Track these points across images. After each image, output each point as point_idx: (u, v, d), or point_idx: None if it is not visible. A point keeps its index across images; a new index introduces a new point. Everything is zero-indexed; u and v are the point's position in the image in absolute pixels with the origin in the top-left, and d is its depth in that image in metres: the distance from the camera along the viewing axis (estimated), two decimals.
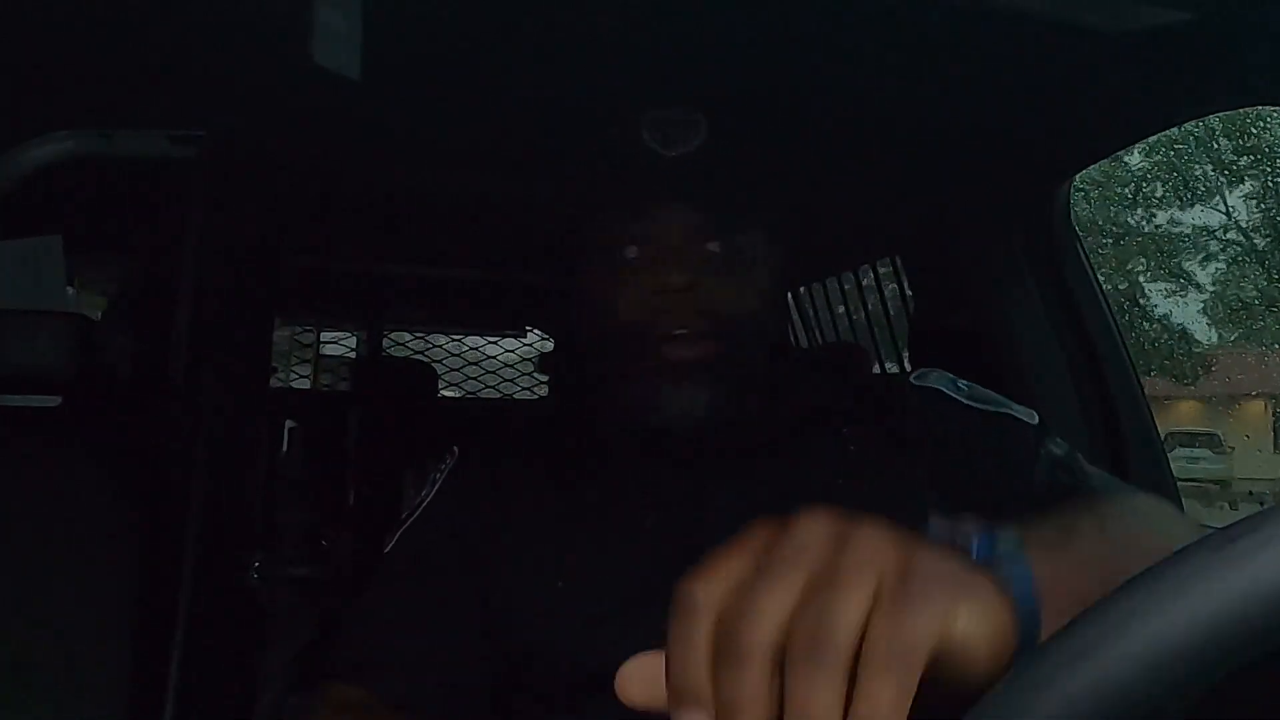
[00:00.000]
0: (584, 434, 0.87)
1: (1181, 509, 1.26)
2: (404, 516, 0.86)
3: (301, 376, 2.85)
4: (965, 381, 0.86)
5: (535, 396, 2.95)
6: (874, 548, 0.33)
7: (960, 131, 1.17)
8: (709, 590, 0.34)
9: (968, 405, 0.83)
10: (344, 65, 0.85)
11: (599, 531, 0.80)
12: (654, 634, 0.75)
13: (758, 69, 0.97)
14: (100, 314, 1.98)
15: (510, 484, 0.84)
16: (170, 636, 1.07)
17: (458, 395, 2.92)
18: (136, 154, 1.13)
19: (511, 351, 3.05)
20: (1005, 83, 1.01)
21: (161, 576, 1.08)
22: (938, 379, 0.86)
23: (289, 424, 2.05)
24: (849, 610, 0.30)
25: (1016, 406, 0.83)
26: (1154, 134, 1.05)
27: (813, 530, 0.34)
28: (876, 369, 2.00)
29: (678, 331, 0.78)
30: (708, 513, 0.79)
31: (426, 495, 0.86)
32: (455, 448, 0.90)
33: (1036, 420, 0.82)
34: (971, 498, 0.76)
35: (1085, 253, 1.35)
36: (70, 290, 1.92)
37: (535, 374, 2.99)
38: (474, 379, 3.01)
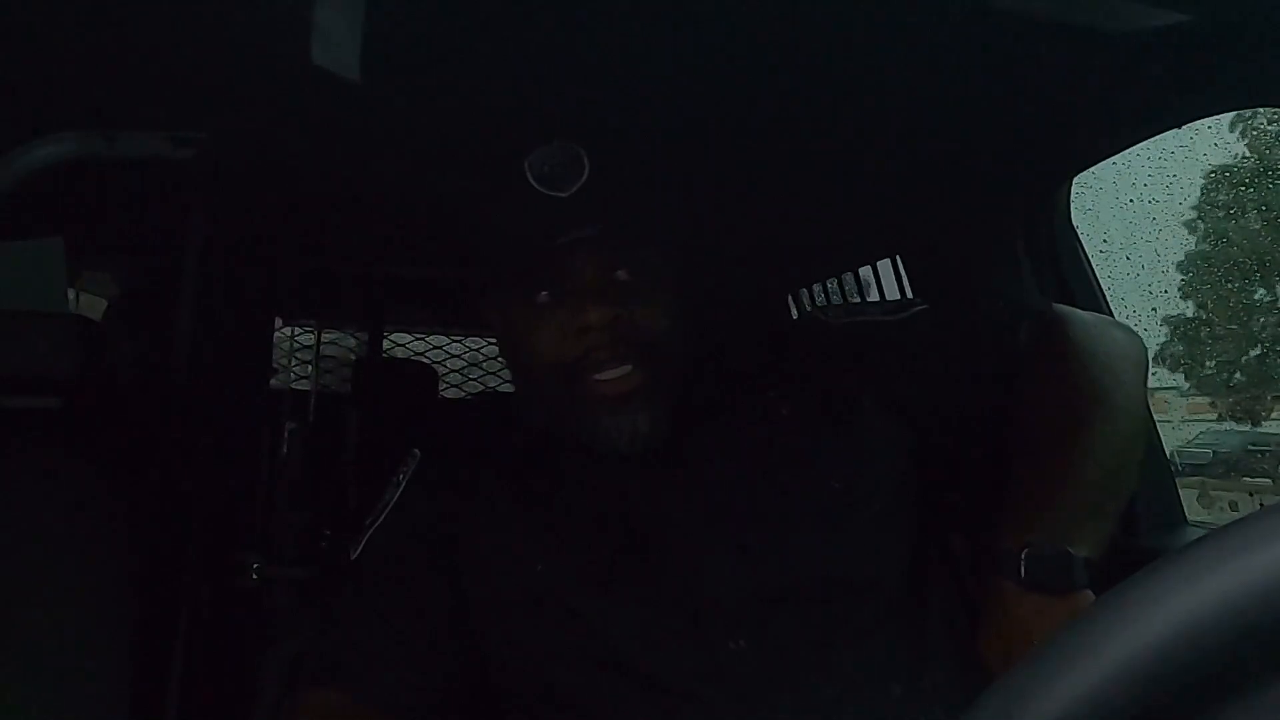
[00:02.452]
0: (540, 434, 0.89)
1: (1181, 509, 1.26)
2: (368, 521, 0.87)
3: (302, 377, 2.85)
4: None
5: None
6: None
7: (960, 131, 1.17)
8: None
9: (833, 324, 0.88)
10: (344, 66, 0.85)
11: (565, 520, 0.82)
12: (622, 619, 0.76)
13: (758, 68, 0.97)
14: (100, 315, 1.99)
15: (474, 478, 0.86)
16: (170, 637, 1.07)
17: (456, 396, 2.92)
18: (137, 154, 1.13)
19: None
20: (1005, 83, 1.01)
21: (161, 577, 1.08)
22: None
23: (289, 425, 2.04)
24: None
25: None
26: (1155, 135, 1.05)
27: None
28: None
29: (605, 365, 0.79)
30: (663, 500, 0.81)
31: (390, 498, 0.87)
32: (416, 450, 0.91)
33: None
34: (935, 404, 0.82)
35: (1085, 253, 1.35)
36: (70, 291, 1.92)
37: None
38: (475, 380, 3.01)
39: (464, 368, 3.05)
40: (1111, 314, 1.34)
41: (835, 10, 0.86)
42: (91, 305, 2.03)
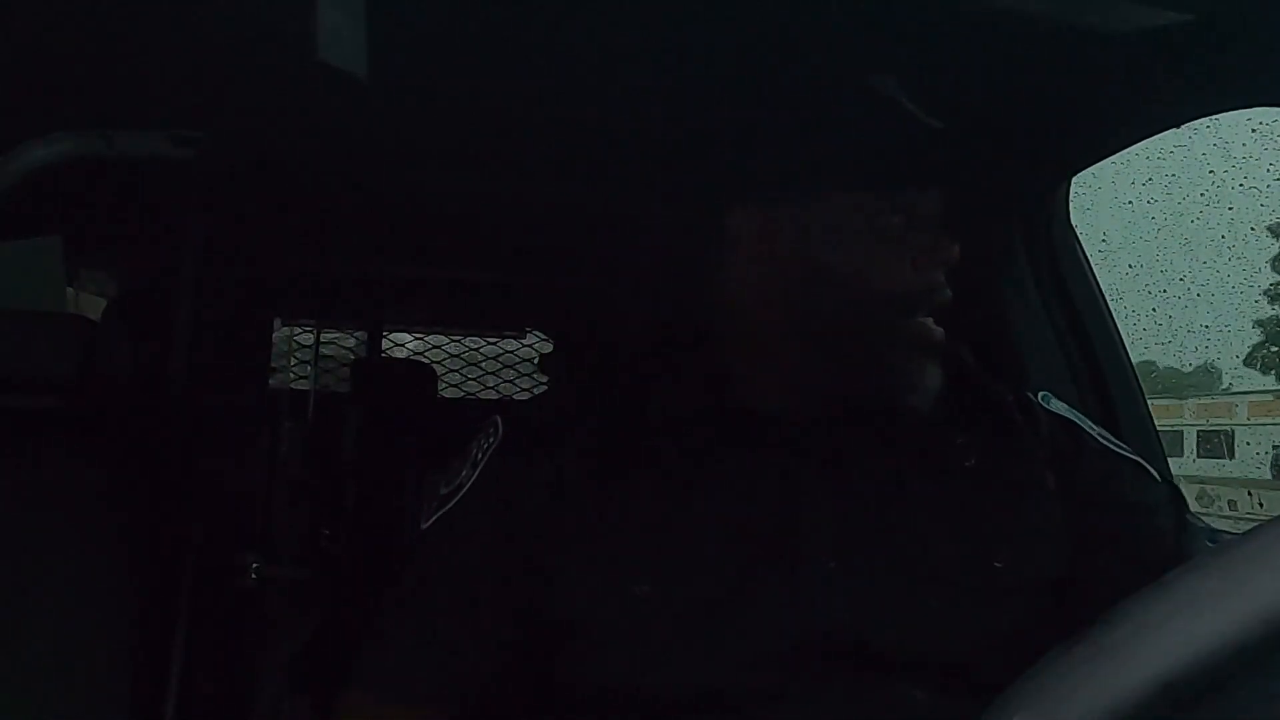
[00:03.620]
0: (635, 427, 0.77)
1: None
2: (443, 493, 0.77)
3: (301, 377, 2.85)
4: (1099, 428, 0.80)
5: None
6: None
7: (960, 131, 1.17)
8: None
9: (1106, 445, 0.77)
10: (344, 66, 0.85)
11: (677, 531, 0.71)
12: (747, 645, 0.67)
13: (757, 69, 0.97)
14: (100, 315, 1.98)
15: (561, 478, 0.74)
16: (170, 638, 1.07)
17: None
18: (136, 154, 1.13)
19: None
20: (1005, 83, 1.01)
21: (160, 577, 1.08)
22: (1066, 409, 0.80)
23: (288, 425, 2.04)
24: None
25: (1148, 463, 0.78)
26: (1155, 134, 1.05)
27: None
28: None
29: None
30: (803, 509, 0.72)
31: (469, 475, 0.77)
32: (498, 419, 0.80)
33: (1165, 483, 0.77)
34: (1097, 538, 0.72)
35: (1085, 253, 1.35)
36: (70, 291, 1.92)
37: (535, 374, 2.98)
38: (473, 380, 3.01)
39: (463, 368, 3.05)
40: (1111, 314, 1.34)
41: (833, 9, 0.86)
42: (91, 305, 2.03)
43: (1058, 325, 1.35)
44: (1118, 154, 1.12)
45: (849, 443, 0.75)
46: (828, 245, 0.73)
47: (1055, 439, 0.77)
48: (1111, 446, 0.78)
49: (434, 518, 0.77)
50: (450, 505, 0.77)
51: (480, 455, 0.78)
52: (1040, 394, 0.81)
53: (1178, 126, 1.01)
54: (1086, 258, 1.35)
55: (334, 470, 2.08)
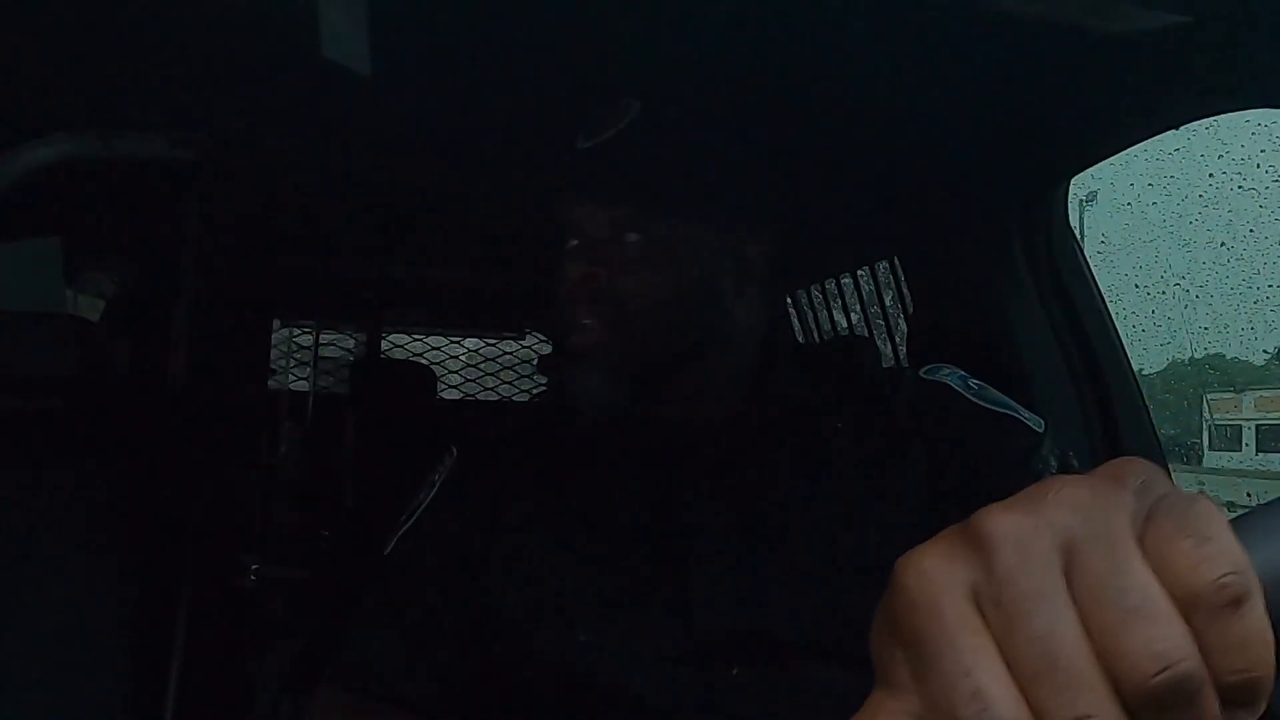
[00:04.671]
0: (570, 434, 0.86)
1: None
2: (402, 519, 0.86)
3: (300, 378, 2.85)
4: (978, 381, 0.83)
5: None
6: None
7: (959, 132, 1.17)
8: (950, 572, 0.26)
9: (973, 403, 0.81)
10: (344, 65, 0.85)
11: (580, 533, 0.79)
12: (634, 635, 0.73)
13: (757, 69, 0.97)
14: (99, 315, 1.98)
15: (503, 486, 0.84)
16: (169, 637, 1.07)
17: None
18: (135, 155, 1.13)
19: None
20: (1005, 83, 1.01)
21: (160, 578, 1.08)
22: (949, 374, 0.84)
23: (287, 426, 2.04)
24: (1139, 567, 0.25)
25: (1025, 412, 0.81)
26: (1154, 135, 1.05)
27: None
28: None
29: (582, 321, 0.78)
30: (685, 512, 0.78)
31: (425, 497, 0.86)
32: (453, 448, 0.89)
33: (1043, 428, 0.80)
34: (962, 498, 0.75)
35: (1084, 253, 1.35)
36: (70, 291, 1.92)
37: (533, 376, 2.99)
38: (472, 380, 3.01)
39: (462, 369, 3.05)
40: (1110, 314, 1.35)
41: (833, 10, 0.86)
42: (91, 305, 2.03)
43: (1056, 325, 1.35)
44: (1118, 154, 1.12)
45: (735, 443, 0.81)
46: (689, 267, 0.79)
47: (921, 405, 0.81)
48: (980, 404, 0.81)
49: (395, 540, 0.85)
50: (408, 525, 0.85)
51: (436, 478, 0.87)
52: (927, 368, 0.84)
53: (1177, 127, 1.01)
54: (1085, 258, 1.35)
55: (331, 471, 2.08)
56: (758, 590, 0.75)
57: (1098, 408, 1.32)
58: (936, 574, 0.26)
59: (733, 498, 0.78)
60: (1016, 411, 0.81)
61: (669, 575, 0.76)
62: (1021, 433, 0.79)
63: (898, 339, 1.97)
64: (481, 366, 3.05)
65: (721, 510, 0.78)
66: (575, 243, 0.80)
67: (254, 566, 1.49)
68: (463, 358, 3.06)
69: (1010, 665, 0.25)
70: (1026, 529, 0.26)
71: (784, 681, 0.72)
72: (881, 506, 0.77)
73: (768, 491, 0.79)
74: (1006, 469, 0.77)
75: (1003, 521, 0.26)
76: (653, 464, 0.81)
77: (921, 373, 0.84)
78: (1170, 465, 1.35)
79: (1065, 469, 0.78)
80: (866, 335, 2.09)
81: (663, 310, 0.79)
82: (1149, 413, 1.35)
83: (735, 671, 0.72)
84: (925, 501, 0.77)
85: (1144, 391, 1.34)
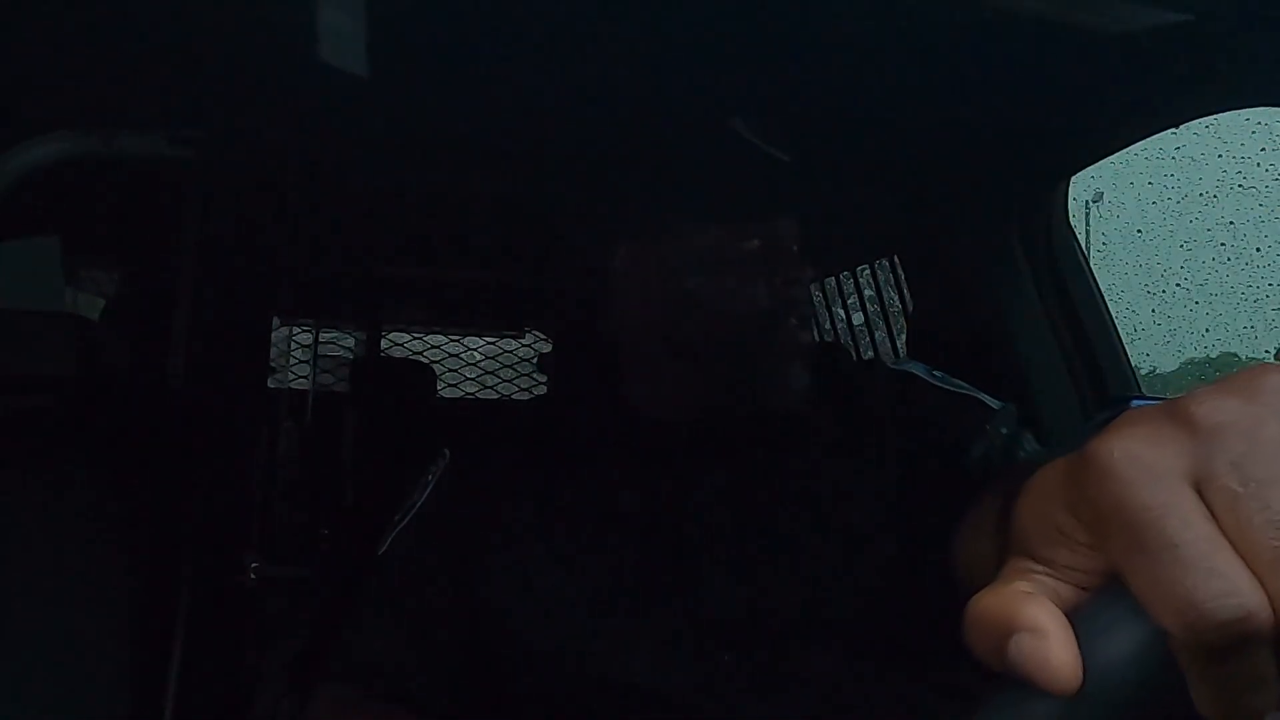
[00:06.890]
0: (571, 432, 0.88)
1: None
2: (397, 519, 0.86)
3: (299, 376, 2.85)
4: (940, 371, 0.87)
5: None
6: None
7: (959, 131, 1.17)
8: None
9: (935, 386, 0.85)
10: (344, 65, 0.85)
11: (583, 529, 0.81)
12: (639, 629, 0.75)
13: (756, 67, 0.97)
14: (99, 314, 1.98)
15: (500, 484, 0.85)
16: (169, 637, 1.07)
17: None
18: (136, 154, 1.13)
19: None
20: (1005, 83, 1.01)
21: (160, 577, 1.08)
22: (915, 366, 0.87)
23: (287, 424, 2.04)
24: None
25: (986, 395, 0.84)
26: (1154, 134, 1.05)
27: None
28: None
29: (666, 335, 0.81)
30: (683, 504, 0.80)
31: (419, 498, 0.87)
32: (446, 450, 0.90)
33: (1001, 408, 0.82)
34: (929, 470, 0.78)
35: (1083, 252, 1.35)
36: (70, 291, 1.92)
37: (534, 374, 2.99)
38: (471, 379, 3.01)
39: (462, 368, 3.05)
40: (1109, 314, 1.35)
41: (834, 9, 0.86)
42: (91, 305, 2.03)
43: (1056, 324, 1.35)
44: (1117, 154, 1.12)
45: (730, 441, 0.83)
46: (695, 274, 0.81)
47: (891, 390, 0.85)
48: (944, 386, 0.85)
49: (389, 540, 0.85)
50: (402, 525, 0.86)
51: (430, 479, 0.88)
52: (894, 362, 0.90)
53: (1177, 127, 1.01)
54: (1085, 257, 1.35)
55: (332, 470, 2.08)
56: (754, 576, 0.77)
57: (1096, 406, 1.32)
58: (1151, 457, 0.25)
59: (730, 489, 0.81)
60: (976, 393, 0.84)
61: (667, 566, 0.78)
62: (978, 408, 0.83)
63: (897, 338, 1.97)
64: (481, 365, 3.05)
65: (718, 501, 0.80)
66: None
67: (254, 565, 1.49)
68: (463, 356, 3.06)
69: (1243, 553, 0.24)
70: (1250, 416, 0.25)
71: (779, 667, 0.74)
72: (864, 485, 0.80)
73: (763, 481, 0.81)
74: (964, 436, 0.80)
75: (1225, 408, 0.25)
76: (650, 458, 0.83)
77: (890, 364, 0.90)
78: None
79: (1016, 442, 0.81)
80: (866, 334, 2.09)
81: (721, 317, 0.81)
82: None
83: (727, 658, 0.74)
84: (900, 475, 0.80)
85: (1157, 393, 1.34)
